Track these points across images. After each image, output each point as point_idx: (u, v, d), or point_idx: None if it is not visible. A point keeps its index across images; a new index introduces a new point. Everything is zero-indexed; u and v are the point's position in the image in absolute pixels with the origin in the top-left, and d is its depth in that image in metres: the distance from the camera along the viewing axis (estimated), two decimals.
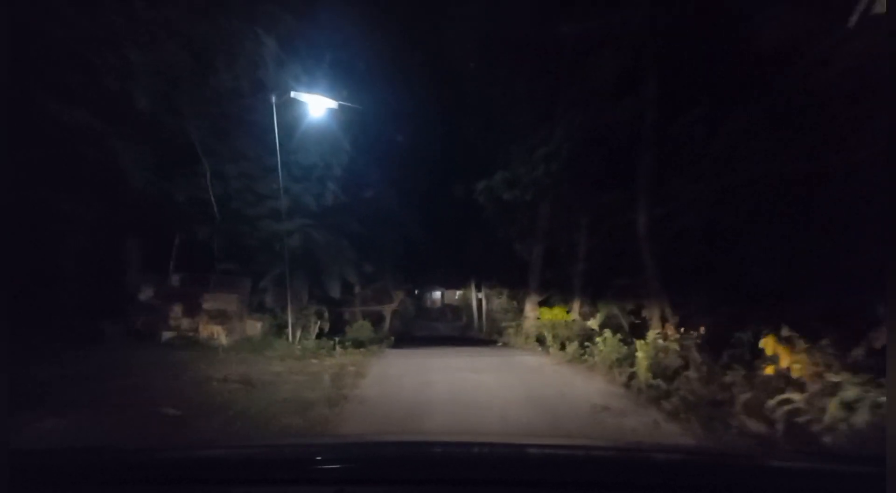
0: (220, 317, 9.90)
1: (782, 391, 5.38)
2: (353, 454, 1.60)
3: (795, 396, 5.13)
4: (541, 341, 12.95)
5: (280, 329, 11.07)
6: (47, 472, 1.37)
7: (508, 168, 11.33)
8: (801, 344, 5.42)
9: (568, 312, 12.70)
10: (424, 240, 23.05)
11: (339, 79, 12.58)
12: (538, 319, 13.55)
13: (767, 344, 5.43)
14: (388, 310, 21.08)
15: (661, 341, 8.23)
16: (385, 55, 13.43)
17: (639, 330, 11.42)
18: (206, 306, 10.03)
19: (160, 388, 6.08)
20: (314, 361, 8.96)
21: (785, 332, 5.63)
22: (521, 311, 17.33)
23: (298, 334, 10.77)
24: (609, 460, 1.55)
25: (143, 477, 1.39)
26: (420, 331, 26.00)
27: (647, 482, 1.31)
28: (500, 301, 20.58)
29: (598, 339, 8.95)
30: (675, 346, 8.17)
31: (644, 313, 11.61)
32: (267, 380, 6.97)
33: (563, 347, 10.42)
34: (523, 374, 8.13)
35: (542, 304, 14.98)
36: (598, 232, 12.90)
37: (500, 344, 14.64)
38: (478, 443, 1.74)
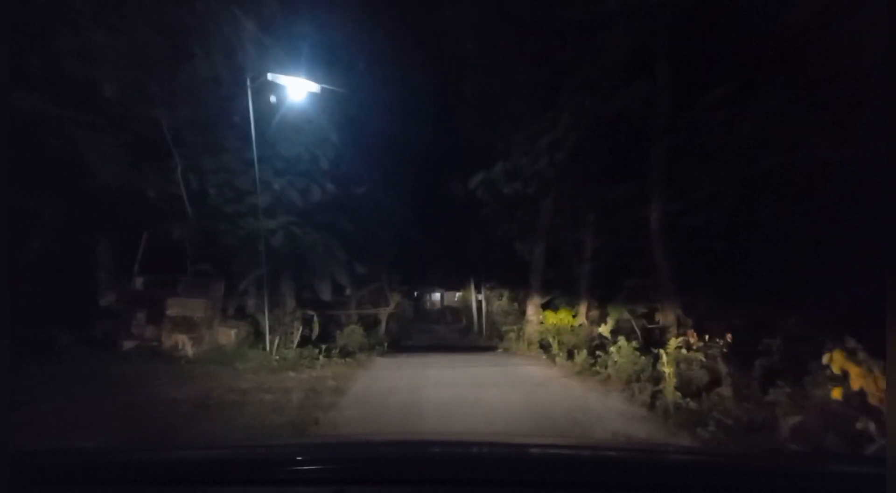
0: (186, 324, 8.77)
1: (853, 420, 4.30)
2: (353, 454, 1.60)
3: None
4: (545, 347, 11.85)
5: (260, 337, 9.94)
6: (47, 472, 1.35)
7: (509, 159, 10.22)
8: (873, 362, 4.34)
9: (574, 316, 11.58)
10: (422, 240, 22.07)
11: (326, 65, 11.49)
12: (541, 323, 12.43)
13: (835, 360, 4.32)
14: (384, 313, 19.93)
15: (684, 351, 7.15)
16: (375, 41, 12.34)
17: (652, 336, 10.34)
18: (169, 312, 8.90)
19: (86, 414, 4.99)
20: (291, 374, 7.85)
21: (850, 344, 4.55)
22: (522, 313, 16.24)
23: (277, 342, 9.63)
24: (609, 460, 1.55)
25: (143, 477, 1.36)
26: (418, 333, 25.07)
27: (648, 482, 1.27)
28: (501, 303, 19.41)
29: (611, 349, 7.83)
30: (701, 356, 7.10)
31: (657, 317, 10.51)
32: (228, 400, 5.87)
33: (570, 355, 9.31)
34: (528, 390, 7.00)
35: (545, 306, 13.88)
36: (605, 229, 11.79)
37: (500, 350, 13.54)
38: (477, 443, 1.79)
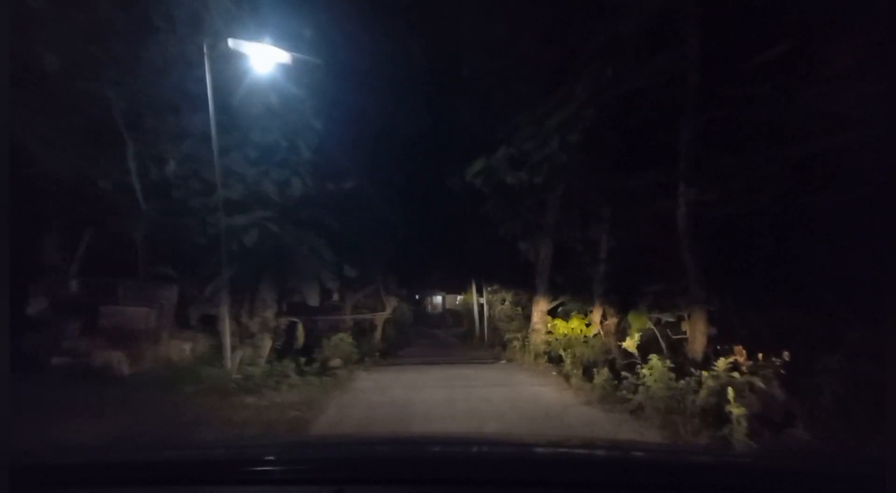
0: (125, 337, 7.18)
1: None
2: (353, 454, 1.58)
3: None
4: (554, 359, 10.24)
5: (227, 350, 8.31)
6: (47, 472, 1.34)
7: (512, 144, 8.62)
8: None
9: (587, 325, 9.92)
10: (421, 240, 20.52)
11: (308, 42, 9.97)
12: (549, 332, 10.78)
13: None
14: (379, 318, 18.36)
15: (735, 375, 5.57)
16: (362, 17, 10.78)
17: (679, 350, 8.72)
18: (103, 322, 7.30)
19: None
20: (248, 399, 6.27)
21: None
22: (527, 319, 14.63)
23: (241, 357, 8.00)
24: (609, 460, 1.53)
25: (143, 477, 1.34)
26: (418, 338, 23.61)
27: (648, 482, 1.25)
28: (504, 308, 17.69)
29: (642, 370, 6.18)
30: (758, 382, 5.48)
31: (683, 327, 8.88)
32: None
33: (587, 373, 7.69)
34: (541, 424, 5.36)
35: (551, 312, 12.27)
36: (623, 226, 10.16)
37: (503, 361, 11.90)
38: (477, 443, 1.80)
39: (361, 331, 18.07)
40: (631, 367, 6.87)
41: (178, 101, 9.08)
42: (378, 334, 17.79)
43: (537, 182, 8.43)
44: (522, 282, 15.80)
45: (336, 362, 11.45)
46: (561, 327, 9.92)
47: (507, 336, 14.03)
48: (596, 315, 10.08)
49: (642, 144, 8.98)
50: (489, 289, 19.48)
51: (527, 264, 13.58)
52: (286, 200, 10.76)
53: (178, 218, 9.46)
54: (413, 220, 19.54)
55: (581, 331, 9.58)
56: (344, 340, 12.24)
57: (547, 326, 10.44)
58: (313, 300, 12.33)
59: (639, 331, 8.89)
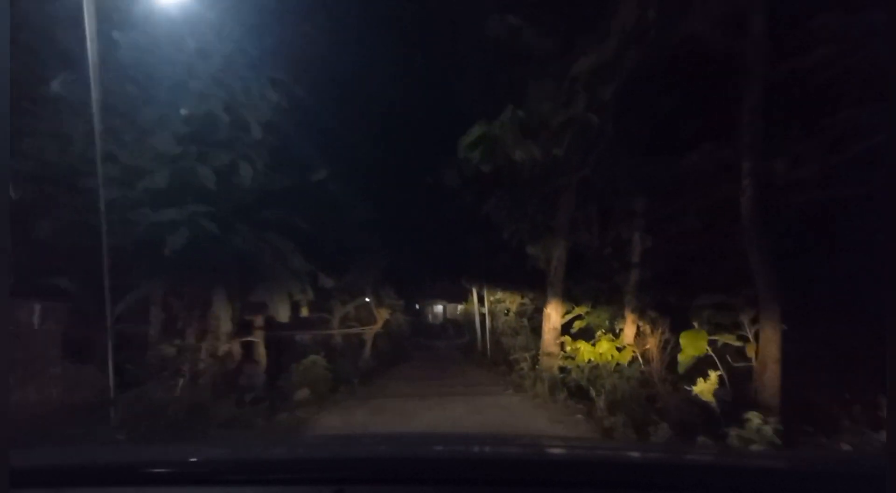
0: None
1: None
2: (353, 454, 1.53)
3: None
4: (573, 390, 7.75)
5: (126, 389, 5.81)
6: (47, 472, 1.30)
7: (524, 105, 6.17)
8: None
9: (619, 348, 7.35)
10: (419, 246, 18.12)
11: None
12: (568, 357, 8.22)
13: None
14: (369, 333, 15.88)
15: None
16: None
17: (741, 382, 6.21)
18: None
19: None
20: None
21: None
22: (534, 332, 12.15)
23: (136, 401, 5.48)
24: (610, 460, 1.48)
25: (143, 477, 1.30)
26: (415, 352, 21.10)
27: (648, 482, 1.22)
28: (508, 319, 15.04)
29: (736, 432, 3.66)
30: None
31: (747, 351, 6.35)
32: None
33: (634, 422, 5.18)
34: None
35: (565, 328, 9.78)
36: (663, 221, 7.68)
37: (510, 391, 9.35)
38: (478, 443, 1.75)
39: (350, 347, 15.60)
40: (709, 421, 4.36)
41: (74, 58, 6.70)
42: (367, 350, 15.30)
43: (556, 156, 5.96)
44: (529, 290, 13.32)
45: (303, 393, 8.95)
46: (585, 351, 7.34)
47: (514, 356, 11.50)
48: (628, 333, 7.55)
49: (693, 108, 6.53)
50: (492, 299, 16.93)
51: (534, 271, 11.10)
52: (235, 194, 8.37)
53: (83, 215, 7.03)
54: (408, 223, 17.20)
55: (612, 356, 7.04)
56: (317, 363, 9.73)
57: (566, 348, 7.79)
58: (282, 315, 9.92)
59: (691, 358, 6.39)
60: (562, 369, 7.86)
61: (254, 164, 8.40)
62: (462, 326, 25.67)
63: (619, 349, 7.10)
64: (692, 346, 6.36)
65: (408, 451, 1.50)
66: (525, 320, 13.06)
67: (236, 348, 8.94)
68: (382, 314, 16.34)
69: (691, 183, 6.94)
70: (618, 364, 6.96)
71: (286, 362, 10.50)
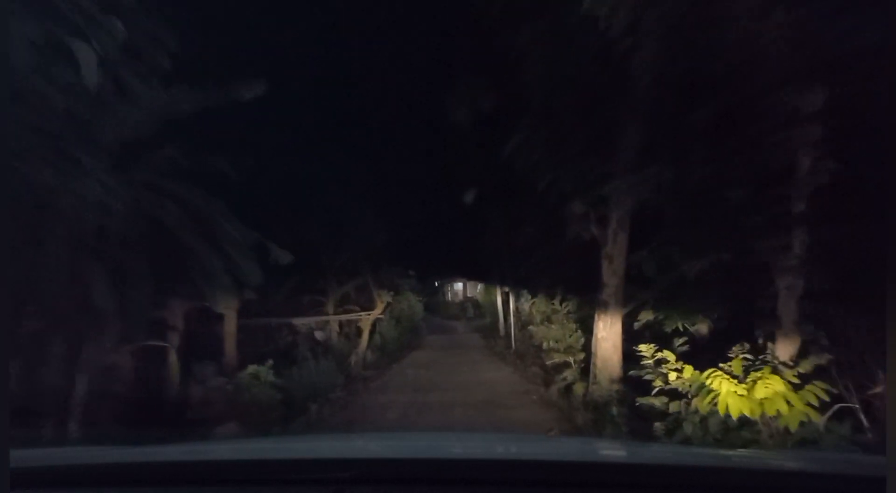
0: None
1: None
2: (353, 453, 1.49)
3: None
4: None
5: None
6: (47, 472, 1.26)
7: None
8: None
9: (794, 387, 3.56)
10: (434, 216, 14.55)
11: None
12: (669, 395, 4.33)
13: None
14: (366, 320, 12.57)
15: None
16: None
17: None
18: None
19: None
20: None
21: None
22: (570, 317, 8.59)
23: None
24: (612, 460, 1.45)
25: (143, 477, 1.27)
26: (431, 336, 18.14)
27: (648, 482, 1.18)
28: (536, 301, 11.22)
29: None
30: None
31: None
32: None
33: None
34: None
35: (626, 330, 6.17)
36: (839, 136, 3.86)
37: (554, 432, 5.74)
38: (479, 443, 1.70)
39: (342, 339, 12.33)
40: None
41: None
42: (362, 343, 11.99)
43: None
44: (565, 267, 9.50)
45: (227, 429, 5.57)
46: (728, 396, 3.32)
47: (552, 360, 7.91)
48: (782, 354, 3.83)
49: None
50: (513, 287, 13.24)
51: (577, 242, 7.37)
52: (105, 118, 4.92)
53: None
54: (419, 189, 13.66)
55: (775, 400, 3.25)
56: (260, 375, 6.34)
57: (672, 374, 3.89)
58: (219, 304, 6.66)
59: None
60: (650, 412, 4.17)
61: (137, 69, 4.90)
62: (483, 305, 22.29)
63: (793, 387, 3.33)
64: None
65: (407, 451, 1.47)
66: (558, 304, 9.21)
67: (125, 359, 5.62)
68: (384, 297, 12.97)
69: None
70: (787, 400, 3.24)
71: (231, 371, 7.24)
